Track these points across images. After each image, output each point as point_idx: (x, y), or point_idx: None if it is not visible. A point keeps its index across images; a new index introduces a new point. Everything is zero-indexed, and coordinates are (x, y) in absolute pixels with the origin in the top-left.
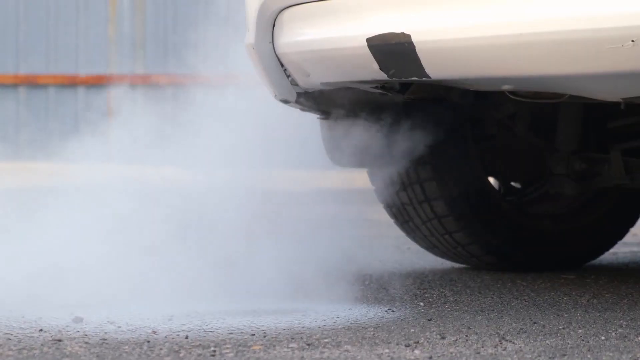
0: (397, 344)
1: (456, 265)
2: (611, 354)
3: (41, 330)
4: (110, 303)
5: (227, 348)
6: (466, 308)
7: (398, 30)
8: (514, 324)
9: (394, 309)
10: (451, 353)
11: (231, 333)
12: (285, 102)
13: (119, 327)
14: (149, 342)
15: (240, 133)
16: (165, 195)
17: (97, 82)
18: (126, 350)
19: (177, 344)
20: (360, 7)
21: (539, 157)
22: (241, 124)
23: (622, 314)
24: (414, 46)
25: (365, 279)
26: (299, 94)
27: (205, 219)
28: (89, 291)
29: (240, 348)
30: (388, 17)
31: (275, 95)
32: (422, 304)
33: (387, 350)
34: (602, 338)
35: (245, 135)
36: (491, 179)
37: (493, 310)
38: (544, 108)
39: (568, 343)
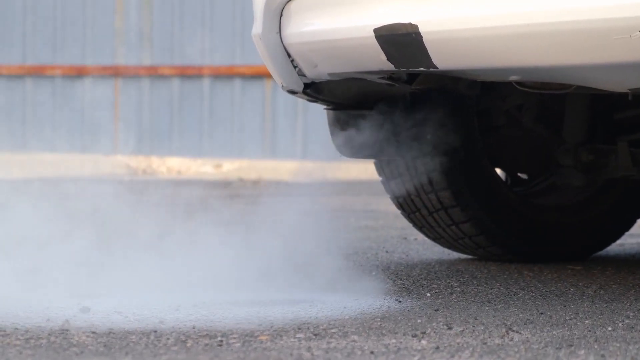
0: (404, 335)
1: (463, 256)
2: (618, 345)
3: (48, 319)
4: (117, 293)
5: (234, 338)
6: (473, 299)
7: (405, 21)
8: (520, 315)
9: (401, 299)
10: (458, 343)
11: (238, 323)
12: (293, 92)
13: (126, 317)
14: (155, 331)
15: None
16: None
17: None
18: (133, 340)
19: (184, 333)
20: None
21: (546, 148)
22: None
23: (629, 305)
24: (422, 37)
25: (372, 270)
26: (306, 85)
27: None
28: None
29: (247, 338)
30: (395, 8)
31: (282, 86)
32: (428, 294)
33: (394, 341)
34: (609, 329)
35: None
36: (498, 170)
37: (500, 300)
38: (551, 99)
39: (575, 334)
